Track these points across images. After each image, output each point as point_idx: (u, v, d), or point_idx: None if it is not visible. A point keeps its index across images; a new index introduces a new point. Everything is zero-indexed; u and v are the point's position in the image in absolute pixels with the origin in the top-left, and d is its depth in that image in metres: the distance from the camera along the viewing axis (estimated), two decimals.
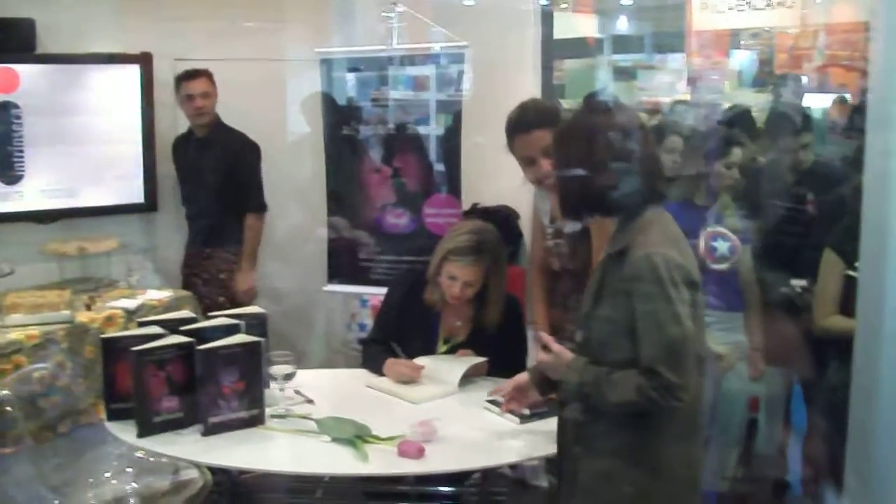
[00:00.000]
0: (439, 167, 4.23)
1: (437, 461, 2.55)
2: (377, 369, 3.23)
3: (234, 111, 4.76)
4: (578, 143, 2.22)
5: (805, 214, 3.78)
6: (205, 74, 4.48)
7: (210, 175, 4.54)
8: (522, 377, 2.62)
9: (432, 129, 4.25)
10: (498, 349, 3.20)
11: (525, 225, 3.86)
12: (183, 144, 4.68)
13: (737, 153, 3.75)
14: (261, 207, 4.60)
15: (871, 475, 2.20)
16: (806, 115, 4.25)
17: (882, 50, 2.15)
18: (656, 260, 2.07)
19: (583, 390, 2.20)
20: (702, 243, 3.60)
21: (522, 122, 2.93)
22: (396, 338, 3.28)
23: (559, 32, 4.65)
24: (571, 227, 2.88)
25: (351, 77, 4.39)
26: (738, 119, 4.32)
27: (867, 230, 2.22)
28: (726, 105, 4.81)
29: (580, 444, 2.28)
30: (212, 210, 4.58)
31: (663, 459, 2.18)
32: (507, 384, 2.66)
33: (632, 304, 2.09)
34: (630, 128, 2.21)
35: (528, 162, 2.92)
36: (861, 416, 2.24)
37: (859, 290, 2.30)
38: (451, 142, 4.15)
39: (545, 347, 2.34)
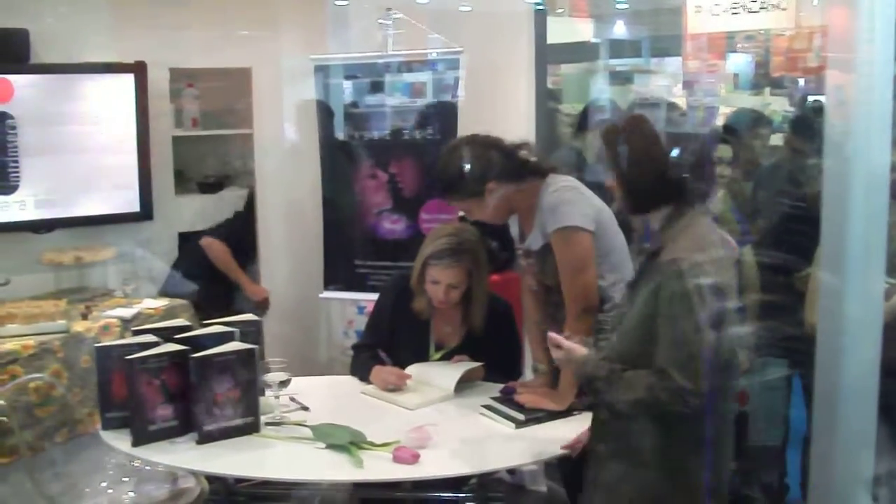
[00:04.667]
0: None
1: (432, 467, 2.54)
2: (364, 376, 3.23)
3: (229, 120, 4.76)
4: (635, 143, 2.28)
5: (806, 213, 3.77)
6: None
7: None
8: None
9: (429, 135, 4.25)
10: (491, 354, 3.20)
11: None
12: None
13: (725, 149, 3.73)
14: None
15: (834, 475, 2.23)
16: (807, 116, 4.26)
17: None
18: (682, 266, 2.11)
19: (594, 386, 2.24)
20: None
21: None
22: (388, 344, 3.26)
23: (556, 37, 4.64)
24: (535, 243, 2.90)
25: (346, 83, 4.39)
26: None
27: (827, 232, 2.30)
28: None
29: (602, 443, 2.32)
30: None
31: (679, 463, 2.19)
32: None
33: (657, 305, 2.13)
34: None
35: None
36: (824, 415, 2.29)
37: (821, 292, 2.38)
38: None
39: (557, 346, 2.37)
